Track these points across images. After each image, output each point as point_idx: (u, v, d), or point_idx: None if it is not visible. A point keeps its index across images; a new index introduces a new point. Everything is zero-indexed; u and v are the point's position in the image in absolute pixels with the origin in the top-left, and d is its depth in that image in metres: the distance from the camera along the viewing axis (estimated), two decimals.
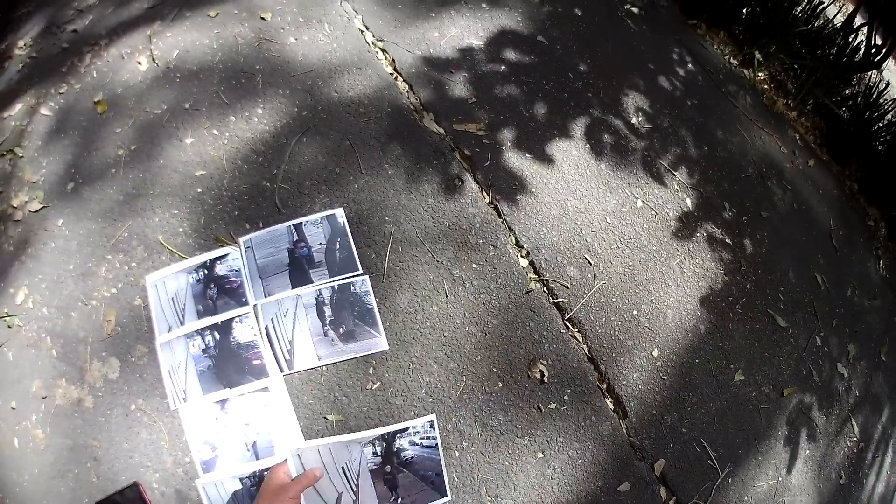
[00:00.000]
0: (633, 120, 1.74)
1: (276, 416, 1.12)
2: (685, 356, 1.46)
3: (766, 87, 2.14)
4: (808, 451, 1.62)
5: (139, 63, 1.41)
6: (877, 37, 2.44)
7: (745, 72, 2.12)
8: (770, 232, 1.77)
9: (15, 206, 1.26)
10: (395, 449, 1.09)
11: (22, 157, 1.32)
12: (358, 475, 1.05)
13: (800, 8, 2.35)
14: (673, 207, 1.64)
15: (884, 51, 2.42)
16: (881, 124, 2.53)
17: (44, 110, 1.37)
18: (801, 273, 1.77)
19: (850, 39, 2.57)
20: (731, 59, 2.12)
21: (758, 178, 1.84)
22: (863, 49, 2.49)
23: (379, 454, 1.07)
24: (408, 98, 1.53)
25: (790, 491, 1.54)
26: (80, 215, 1.25)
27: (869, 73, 2.88)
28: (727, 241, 1.68)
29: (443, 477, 1.11)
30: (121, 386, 1.12)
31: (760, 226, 1.77)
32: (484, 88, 1.61)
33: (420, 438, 1.12)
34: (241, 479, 1.07)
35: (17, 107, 1.38)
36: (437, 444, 1.12)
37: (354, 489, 1.03)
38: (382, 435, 1.09)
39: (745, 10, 2.26)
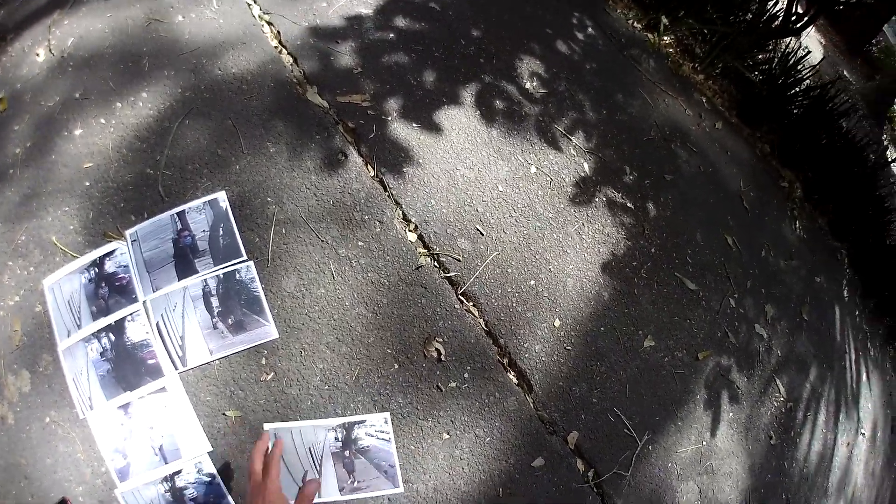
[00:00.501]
0: (528, 85, 1.81)
1: (177, 416, 1.15)
2: (590, 325, 1.54)
3: (671, 51, 2.28)
4: (731, 414, 1.73)
5: (38, 55, 1.40)
6: (798, 5, 2.66)
7: (650, 36, 2.25)
8: (675, 195, 1.88)
9: None
10: (353, 437, 1.22)
11: None
12: (322, 456, 1.19)
13: None
14: (569, 173, 1.72)
15: (806, 18, 2.64)
16: (798, 89, 2.76)
17: None
18: (710, 235, 1.90)
19: (768, 6, 2.79)
20: (635, 24, 2.25)
21: (661, 141, 1.95)
22: (781, 16, 2.70)
23: (340, 440, 1.21)
24: (291, 72, 1.54)
25: (716, 454, 1.65)
26: None
27: (787, 40, 3.13)
28: (628, 205, 1.77)
29: (395, 468, 1.22)
30: (34, 399, 1.13)
31: (664, 189, 1.87)
32: (371, 58, 1.64)
33: (375, 431, 1.24)
34: (155, 485, 1.10)
35: None
36: (390, 438, 1.24)
37: (318, 468, 1.18)
38: (343, 424, 1.23)
39: None
